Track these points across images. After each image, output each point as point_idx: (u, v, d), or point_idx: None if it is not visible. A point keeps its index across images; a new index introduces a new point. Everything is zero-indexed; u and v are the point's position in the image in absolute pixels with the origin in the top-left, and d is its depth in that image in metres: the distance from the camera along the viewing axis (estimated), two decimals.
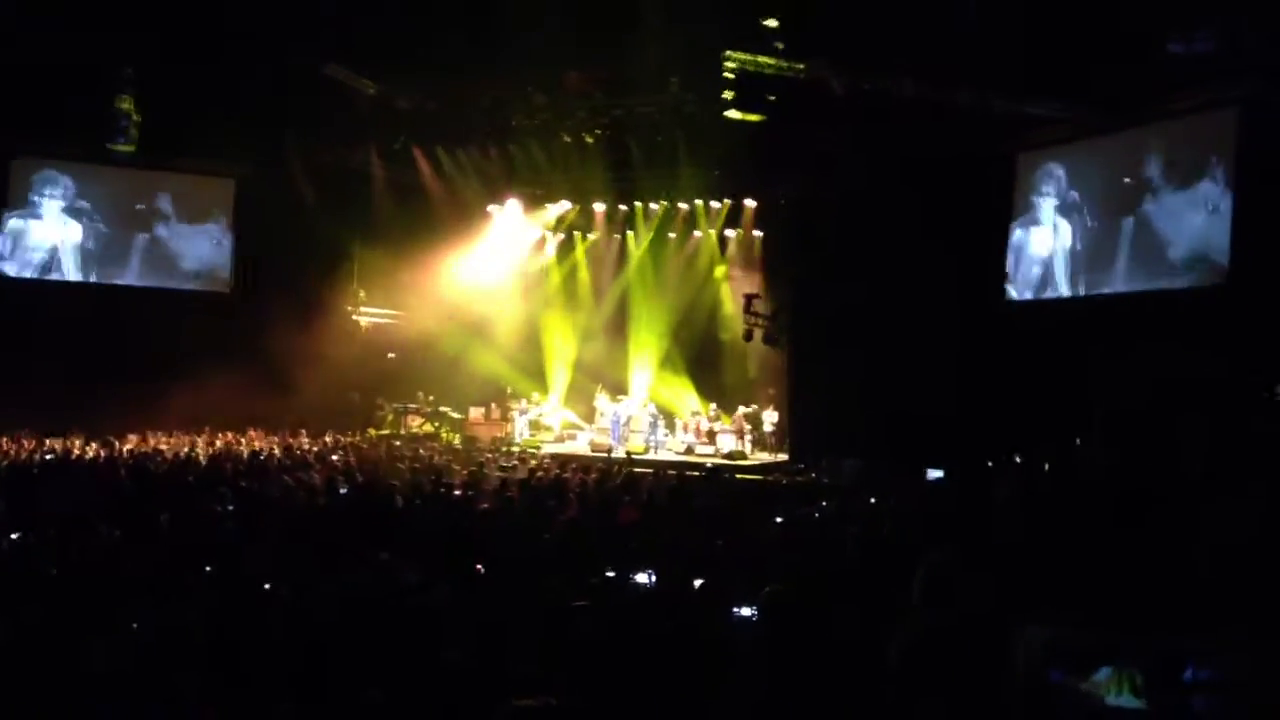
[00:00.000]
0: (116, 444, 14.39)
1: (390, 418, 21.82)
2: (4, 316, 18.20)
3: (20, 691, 4.58)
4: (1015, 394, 14.63)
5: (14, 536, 8.04)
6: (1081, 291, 15.74)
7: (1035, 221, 16.51)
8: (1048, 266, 16.28)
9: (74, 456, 13.24)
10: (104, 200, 20.72)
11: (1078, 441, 13.09)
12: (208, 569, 6.93)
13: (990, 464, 13.02)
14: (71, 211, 20.39)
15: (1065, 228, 16.06)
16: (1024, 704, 2.15)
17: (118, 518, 8.85)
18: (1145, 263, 14.77)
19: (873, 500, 10.61)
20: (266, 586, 6.36)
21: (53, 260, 20.27)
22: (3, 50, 16.18)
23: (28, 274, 20.00)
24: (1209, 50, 13.17)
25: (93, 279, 20.58)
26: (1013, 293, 16.72)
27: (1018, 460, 13.41)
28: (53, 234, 20.26)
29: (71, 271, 20.43)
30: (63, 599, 6.17)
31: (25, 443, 14.12)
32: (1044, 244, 16.36)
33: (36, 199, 20.11)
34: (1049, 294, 16.20)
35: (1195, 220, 14.02)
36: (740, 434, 19.17)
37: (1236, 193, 13.43)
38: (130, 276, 21.01)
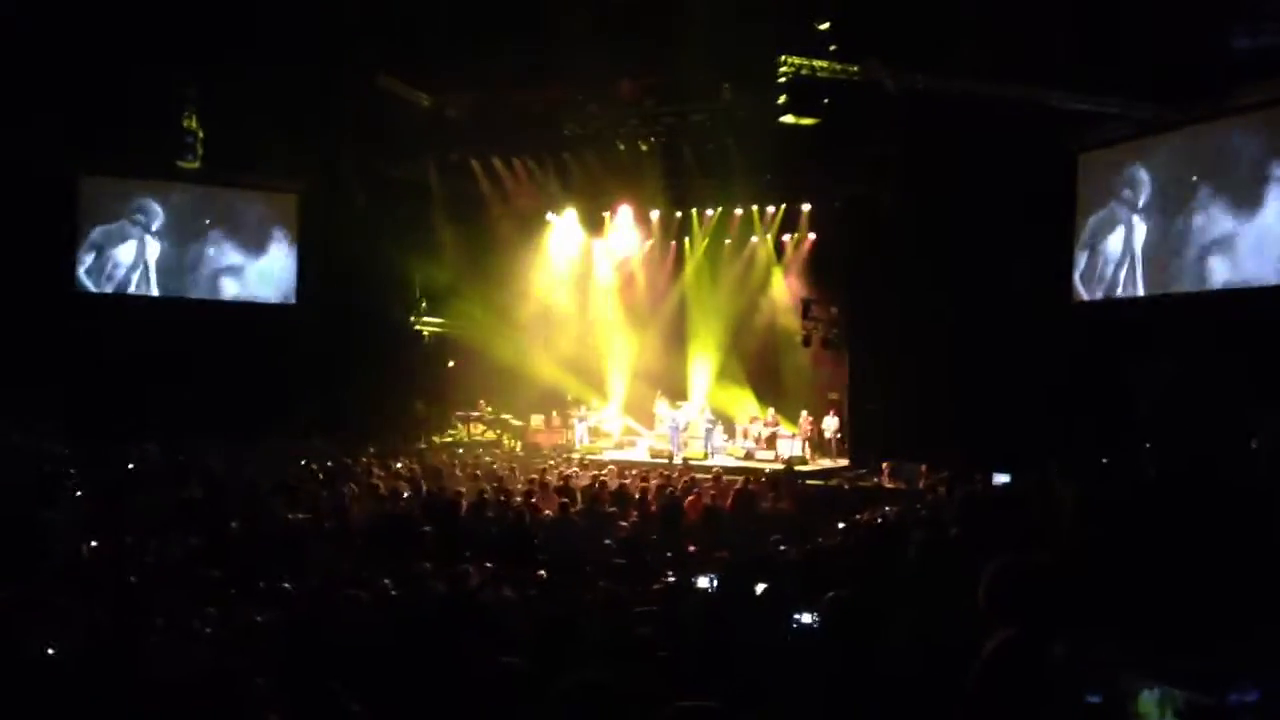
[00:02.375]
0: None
1: (459, 426, 22.09)
2: (83, 331, 18.76)
3: (94, 698, 4.72)
4: (1083, 396, 14.35)
5: (92, 544, 8.28)
6: (1150, 291, 15.39)
7: (1101, 220, 16.18)
8: (1115, 266, 15.94)
9: (150, 466, 13.57)
10: (171, 216, 21.26)
11: (1147, 445, 12.78)
12: (277, 574, 7.08)
13: (1057, 468, 12.77)
14: (141, 227, 20.97)
15: (1132, 227, 15.72)
16: None
17: (191, 525, 9.09)
18: (1216, 261, 14.42)
19: (937, 505, 10.49)
20: (335, 591, 6.48)
21: (127, 276, 20.88)
22: (68, 68, 16.73)
23: (107, 289, 20.63)
24: (1276, 43, 12.82)
25: (161, 293, 21.14)
26: (1081, 293, 16.41)
27: (1086, 464, 13.14)
28: (125, 249, 20.86)
29: (142, 286, 21.01)
30: (136, 605, 6.35)
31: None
32: (1110, 243, 16.03)
33: (108, 215, 20.73)
34: (1117, 294, 15.86)
35: (1268, 216, 13.66)
36: (809, 439, 19.04)
37: None
38: (197, 291, 21.55)
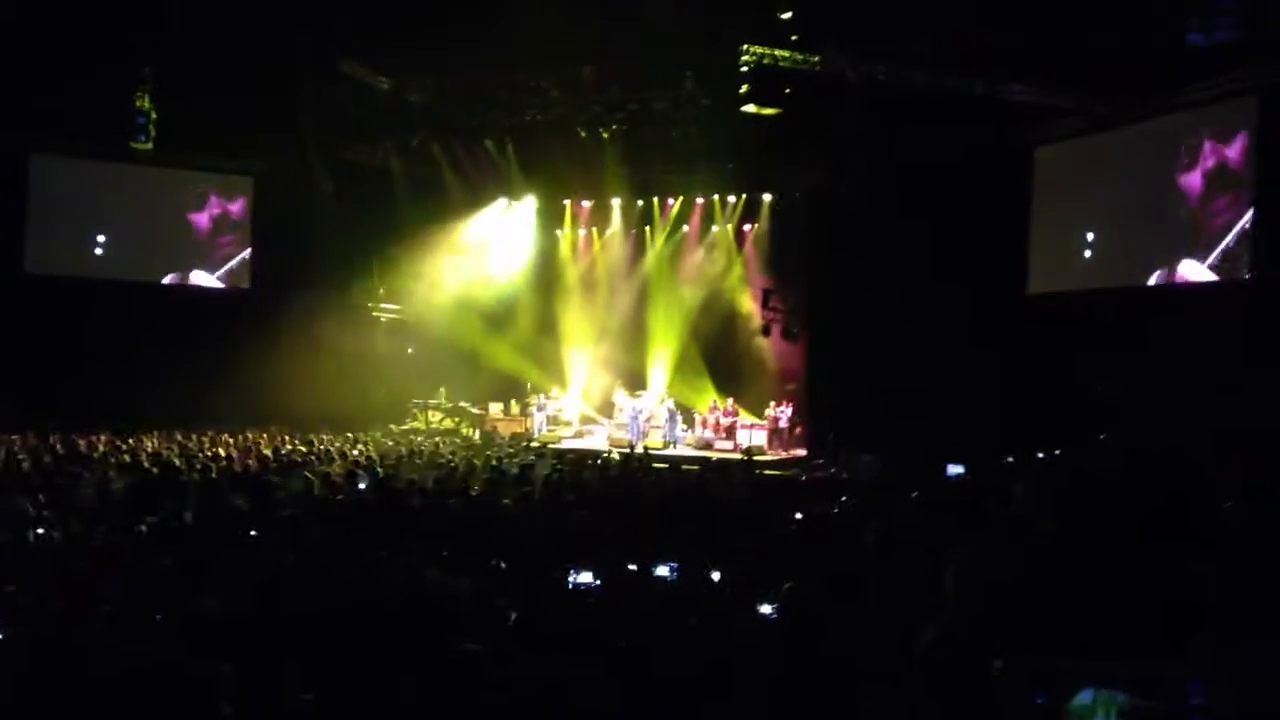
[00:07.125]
0: (143, 441, 14.49)
1: (417, 414, 21.94)
2: (29, 315, 18.34)
3: (42, 688, 4.63)
4: (1036, 388, 14.55)
5: (39, 532, 8.12)
6: (1103, 285, 15.62)
7: (1057, 214, 16.40)
8: (1069, 259, 16.16)
9: (99, 454, 13.32)
10: (123, 198, 20.85)
11: (1101, 437, 12.98)
12: (230, 563, 6.98)
13: (1010, 459, 12.94)
14: (93, 209, 20.53)
15: (1087, 221, 15.95)
16: None
17: (140, 513, 8.94)
18: (1167, 255, 14.66)
19: (892, 496, 10.56)
20: (288, 580, 6.41)
21: (78, 258, 20.43)
22: (24, 48, 16.31)
23: (57, 272, 20.15)
24: (1229, 39, 13.05)
25: (113, 277, 20.72)
26: (1036, 286, 16.62)
27: (1039, 456, 13.33)
28: (76, 231, 20.41)
29: (94, 269, 20.58)
30: (87, 593, 6.24)
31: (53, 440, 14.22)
32: (1066, 237, 16.24)
33: (59, 195, 20.24)
34: (1070, 287, 16.08)
35: (1217, 210, 13.91)
36: (773, 430, 19.06)
37: (1258, 181, 13.32)
38: (150, 275, 21.15)
